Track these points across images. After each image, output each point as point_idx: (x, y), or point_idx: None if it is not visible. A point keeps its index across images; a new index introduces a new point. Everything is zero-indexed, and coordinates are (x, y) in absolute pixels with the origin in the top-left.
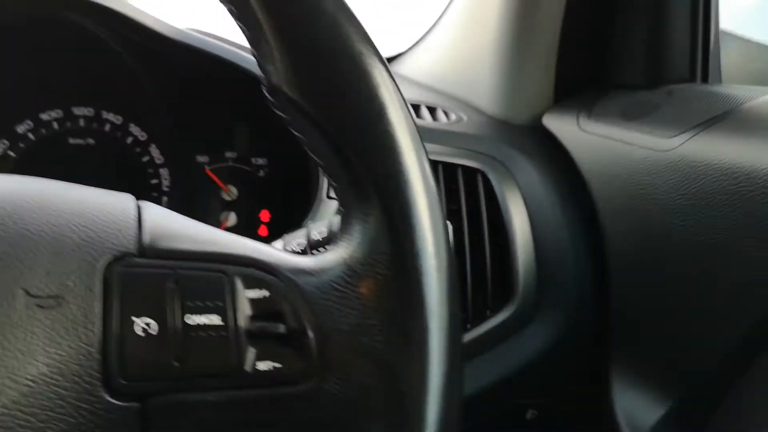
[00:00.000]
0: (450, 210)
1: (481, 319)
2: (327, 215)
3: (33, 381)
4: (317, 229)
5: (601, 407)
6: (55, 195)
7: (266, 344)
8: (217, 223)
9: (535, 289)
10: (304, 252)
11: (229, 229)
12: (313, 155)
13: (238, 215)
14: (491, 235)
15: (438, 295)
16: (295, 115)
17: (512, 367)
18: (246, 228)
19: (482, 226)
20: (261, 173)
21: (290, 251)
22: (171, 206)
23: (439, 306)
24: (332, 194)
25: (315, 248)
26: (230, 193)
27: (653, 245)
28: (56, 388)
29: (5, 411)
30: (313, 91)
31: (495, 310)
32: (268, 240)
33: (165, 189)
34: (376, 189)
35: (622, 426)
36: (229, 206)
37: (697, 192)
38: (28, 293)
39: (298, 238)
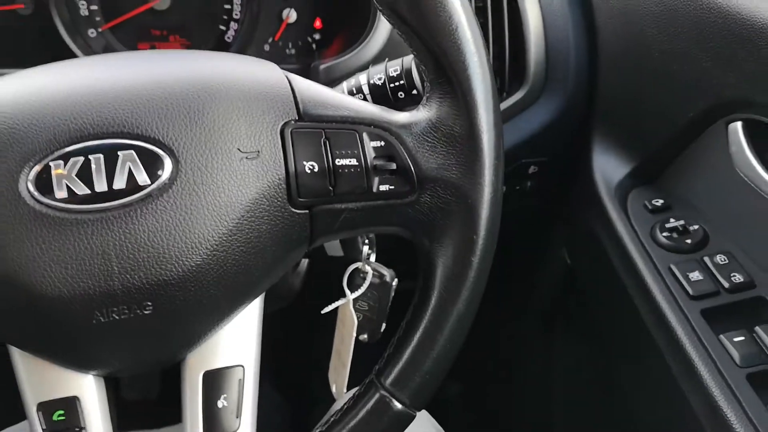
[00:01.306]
0: (477, 7)
1: (500, 99)
2: (379, 38)
3: (249, 202)
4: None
5: (583, 166)
6: (229, 74)
7: (384, 175)
8: (279, 20)
9: (542, 76)
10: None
11: (289, 26)
12: (410, 47)
13: (298, 14)
14: (510, 29)
15: (491, 145)
16: (398, 21)
17: (522, 135)
18: (302, 29)
19: (503, 22)
20: None
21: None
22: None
23: (493, 150)
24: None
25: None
26: None
27: (636, 49)
28: (261, 206)
29: (235, 218)
30: (413, 7)
31: (510, 93)
32: (320, 43)
33: None
34: (452, 78)
35: (597, 180)
36: (288, 3)
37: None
38: (240, 150)
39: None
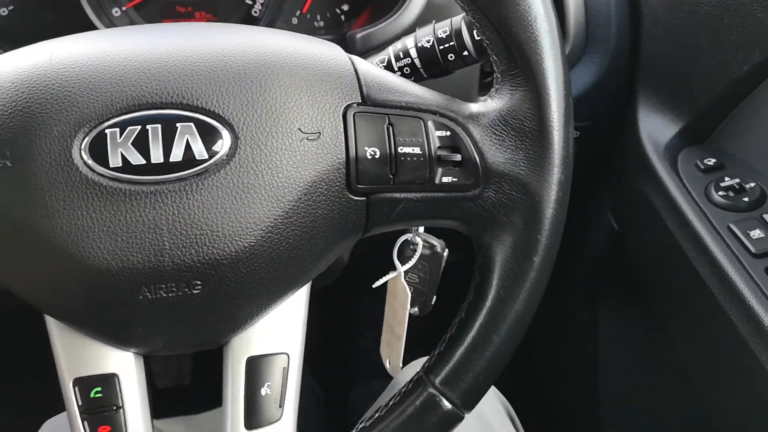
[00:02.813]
0: None
1: None
2: (416, 4)
3: (307, 184)
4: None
5: (628, 128)
6: (293, 51)
7: (448, 166)
8: None
9: (583, 36)
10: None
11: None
12: (484, 39)
13: None
14: None
15: (561, 142)
16: (473, 8)
17: None
18: (330, 1)
19: None
20: None
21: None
22: None
23: (564, 148)
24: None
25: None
26: None
27: (681, 4)
28: (319, 189)
29: (292, 200)
30: None
31: None
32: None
33: None
34: (526, 71)
35: (644, 141)
36: None
37: None
38: (301, 131)
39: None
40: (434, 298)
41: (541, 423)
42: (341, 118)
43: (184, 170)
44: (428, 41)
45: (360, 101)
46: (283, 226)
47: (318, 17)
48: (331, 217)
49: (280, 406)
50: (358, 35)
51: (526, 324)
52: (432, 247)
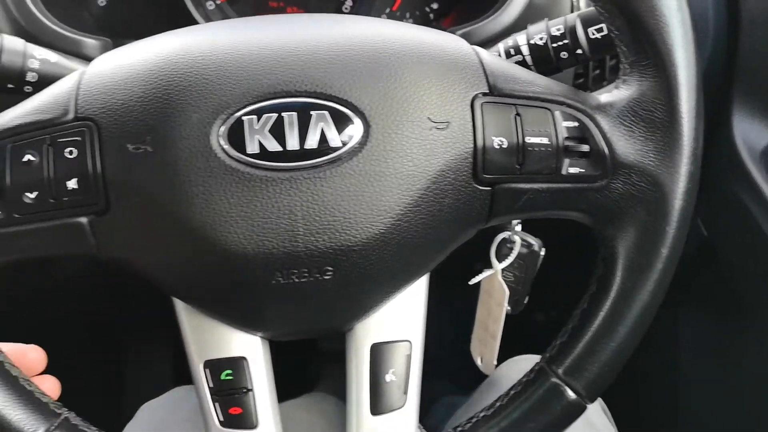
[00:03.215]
0: None
1: None
2: (518, 3)
3: (436, 173)
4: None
5: (721, 131)
6: (420, 41)
7: (575, 157)
8: None
9: None
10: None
11: None
12: (613, 30)
13: None
14: None
15: (692, 133)
16: (605, 0)
17: None
18: None
19: None
20: None
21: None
22: None
23: (694, 139)
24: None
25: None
26: None
27: None
28: (447, 178)
29: (421, 189)
30: None
31: None
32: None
33: None
34: (657, 62)
35: (739, 145)
36: None
37: None
38: (430, 120)
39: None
40: (527, 296)
41: (624, 423)
42: (469, 107)
43: (318, 157)
44: (541, 39)
45: (486, 91)
46: (412, 214)
47: (407, 15)
48: (457, 207)
49: (404, 393)
50: (458, 33)
51: (652, 315)
52: (530, 245)
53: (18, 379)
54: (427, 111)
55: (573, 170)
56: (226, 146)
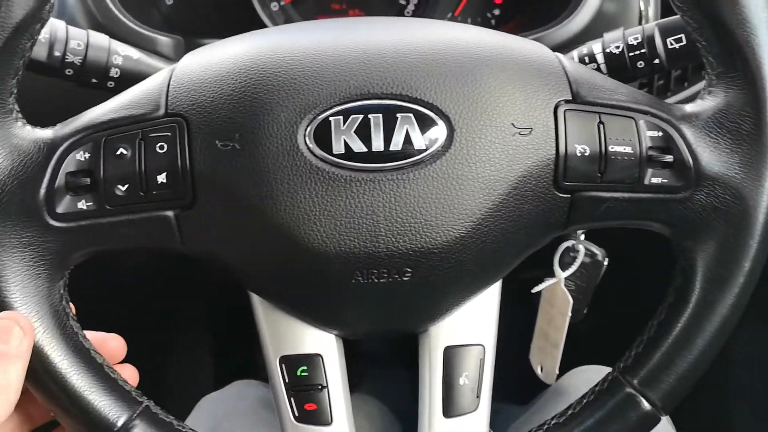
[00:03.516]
0: None
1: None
2: (586, 13)
3: (517, 179)
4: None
5: None
6: (503, 47)
7: (658, 167)
8: None
9: None
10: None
11: (469, 1)
12: (699, 39)
13: None
14: None
15: None
16: (692, 9)
17: None
18: (482, 4)
19: None
20: None
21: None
22: None
23: None
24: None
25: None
26: None
27: None
28: (528, 184)
29: (502, 194)
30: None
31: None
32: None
33: None
34: (746, 73)
35: None
36: None
37: None
38: (514, 125)
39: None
40: (587, 306)
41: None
42: (552, 114)
43: (402, 159)
44: (617, 47)
45: (570, 98)
46: (492, 219)
47: (468, 20)
48: (536, 213)
49: (477, 396)
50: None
51: (731, 328)
52: (593, 255)
53: (103, 366)
54: (511, 117)
55: (655, 180)
56: (312, 146)
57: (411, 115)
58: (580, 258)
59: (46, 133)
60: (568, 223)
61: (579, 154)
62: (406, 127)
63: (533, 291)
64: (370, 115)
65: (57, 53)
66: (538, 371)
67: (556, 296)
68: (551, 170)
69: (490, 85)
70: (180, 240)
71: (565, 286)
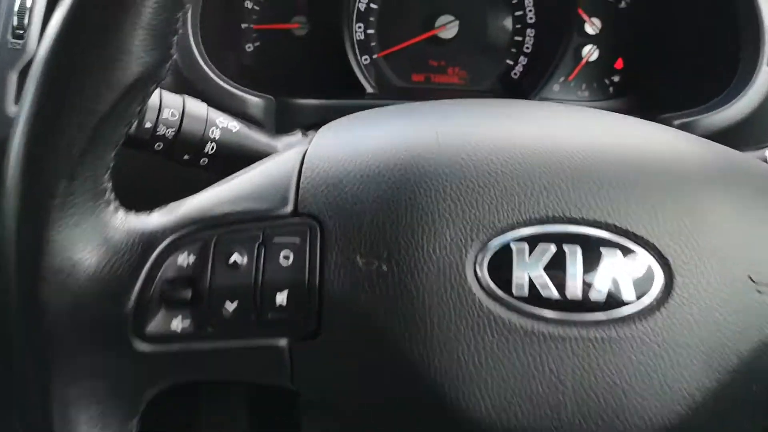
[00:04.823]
0: None
1: None
2: (756, 93)
3: (751, 350)
4: None
5: None
6: (724, 161)
7: None
8: (577, 58)
9: None
10: None
11: (588, 64)
12: None
13: (600, 51)
14: None
15: None
16: None
17: None
18: (601, 69)
19: None
20: (623, 4)
21: None
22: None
23: None
24: None
25: None
26: (593, 26)
27: None
28: (763, 358)
29: (731, 372)
30: None
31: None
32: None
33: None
34: None
35: None
36: (590, 39)
37: None
38: (751, 279)
39: None
40: None
41: None
42: None
43: (603, 311)
44: None
45: None
46: (713, 402)
47: (583, 86)
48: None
49: None
50: (676, 122)
51: None
52: None
53: None
54: (748, 266)
55: None
56: (486, 280)
57: (618, 251)
58: None
59: (144, 224)
60: None
61: None
62: (612, 269)
63: None
64: (565, 247)
65: (147, 124)
66: None
67: None
68: None
69: (717, 219)
70: (289, 375)
71: None
